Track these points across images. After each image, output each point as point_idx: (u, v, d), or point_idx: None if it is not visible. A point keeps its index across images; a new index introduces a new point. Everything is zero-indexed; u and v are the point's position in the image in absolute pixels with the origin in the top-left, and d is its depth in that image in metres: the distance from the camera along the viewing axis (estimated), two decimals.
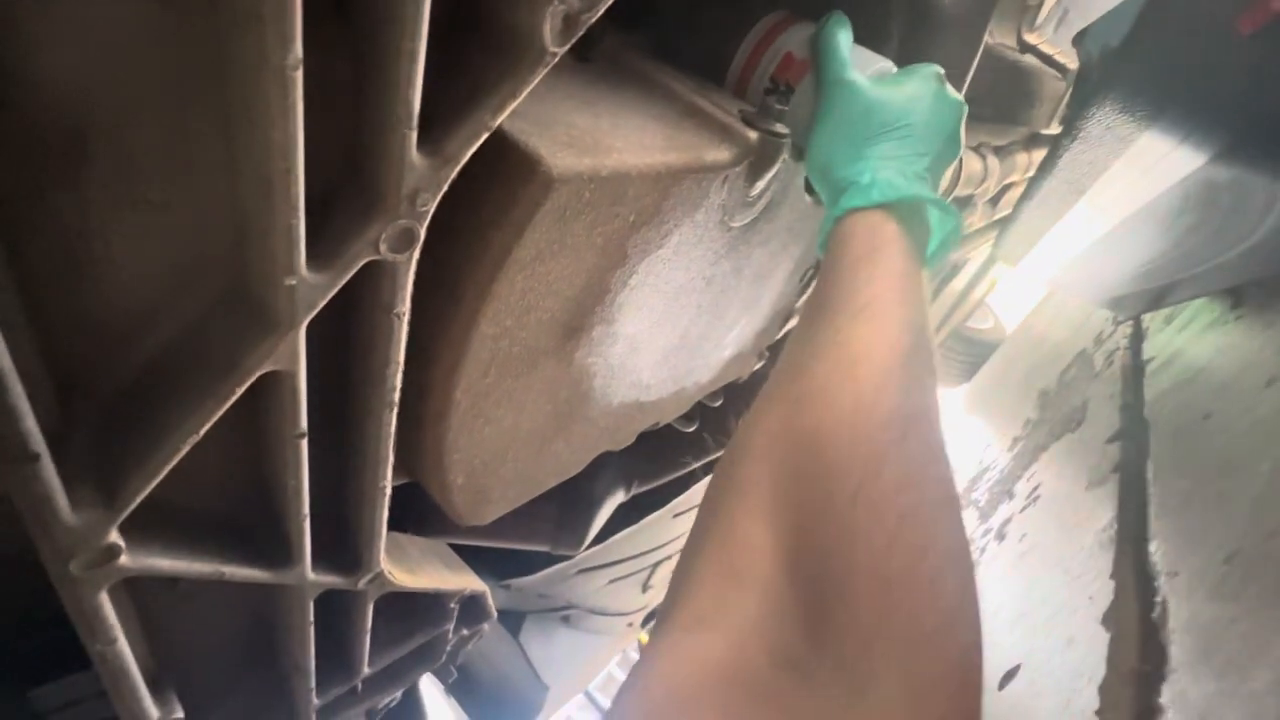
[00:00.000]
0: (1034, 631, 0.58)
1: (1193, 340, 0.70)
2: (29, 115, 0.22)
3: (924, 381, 0.32)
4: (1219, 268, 0.62)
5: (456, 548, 0.72)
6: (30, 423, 0.24)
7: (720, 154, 0.47)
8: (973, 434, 1.61)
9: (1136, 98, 0.48)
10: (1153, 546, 0.51)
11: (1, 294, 0.24)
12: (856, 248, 0.40)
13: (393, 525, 0.47)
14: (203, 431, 0.29)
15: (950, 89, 0.50)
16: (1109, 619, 0.49)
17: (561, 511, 0.90)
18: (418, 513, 0.66)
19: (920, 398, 0.31)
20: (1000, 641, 0.62)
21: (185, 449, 0.29)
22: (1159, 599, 0.45)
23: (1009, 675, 0.58)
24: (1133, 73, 0.47)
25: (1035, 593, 0.63)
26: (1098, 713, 0.46)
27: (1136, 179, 0.56)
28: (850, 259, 0.39)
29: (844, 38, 0.50)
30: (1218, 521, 0.47)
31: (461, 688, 1.08)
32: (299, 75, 0.22)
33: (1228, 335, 0.65)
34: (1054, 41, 0.94)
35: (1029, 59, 0.99)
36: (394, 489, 0.43)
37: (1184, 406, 0.61)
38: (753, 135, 0.50)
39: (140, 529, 0.31)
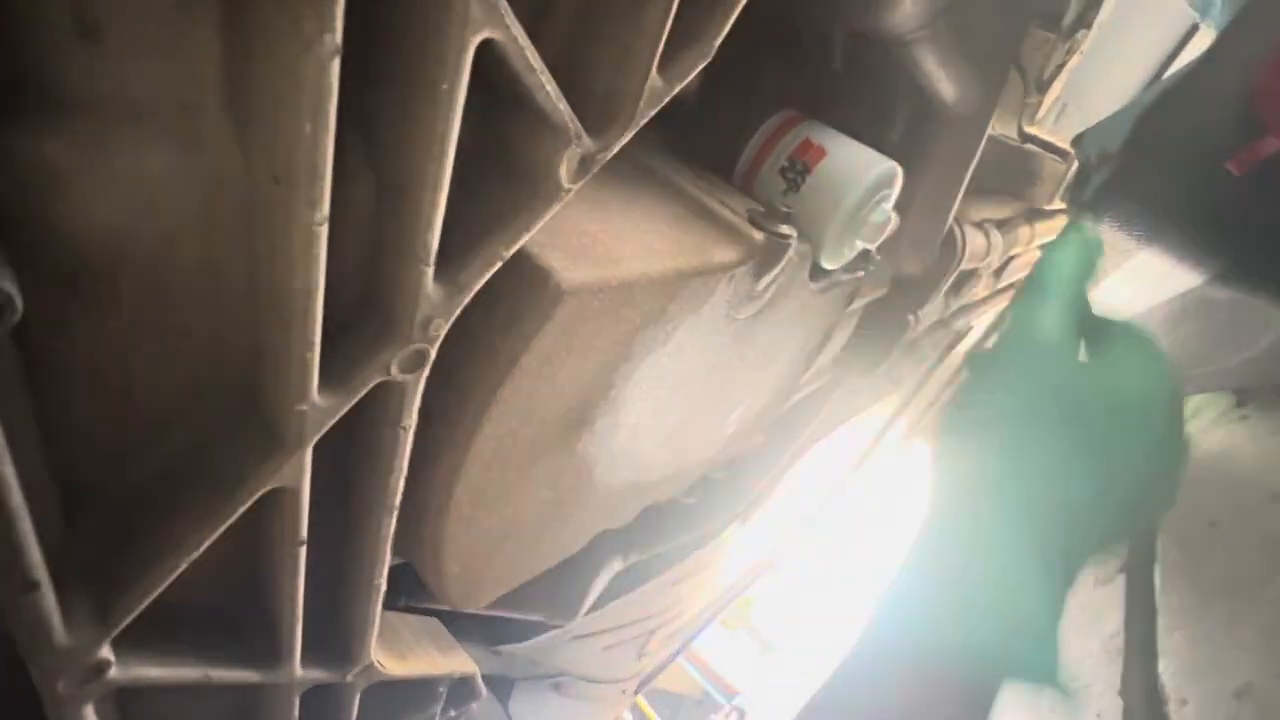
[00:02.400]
0: None
1: (1199, 435, 0.70)
2: (63, 257, 0.23)
3: None
4: (1220, 371, 0.62)
5: (448, 612, 0.70)
6: (34, 554, 0.24)
7: (727, 255, 0.49)
8: None
9: (1132, 218, 0.49)
10: (1162, 665, 0.49)
11: (17, 417, 0.25)
12: None
13: (385, 597, 0.46)
14: (203, 548, 0.29)
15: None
16: None
17: (557, 581, 0.89)
18: (409, 584, 0.66)
19: None
20: None
21: (184, 565, 0.29)
22: None
23: None
24: (1128, 193, 0.49)
25: (1043, 701, 0.61)
26: None
27: (1136, 288, 0.57)
28: None
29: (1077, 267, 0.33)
30: (1228, 647, 0.45)
31: None
32: (324, 231, 0.23)
33: (1233, 436, 0.65)
34: (1054, 131, 0.97)
35: (1030, 146, 1.01)
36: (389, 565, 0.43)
37: (1190, 510, 0.61)
38: (759, 236, 0.51)
39: (130, 639, 0.31)
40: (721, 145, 0.62)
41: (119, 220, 0.23)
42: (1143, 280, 0.54)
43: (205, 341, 0.27)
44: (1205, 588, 0.51)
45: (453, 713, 0.66)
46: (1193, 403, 0.81)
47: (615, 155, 0.54)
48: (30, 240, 0.21)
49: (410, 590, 0.67)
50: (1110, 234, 0.53)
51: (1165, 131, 0.48)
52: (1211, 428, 0.72)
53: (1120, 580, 0.64)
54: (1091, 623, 0.63)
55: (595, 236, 0.42)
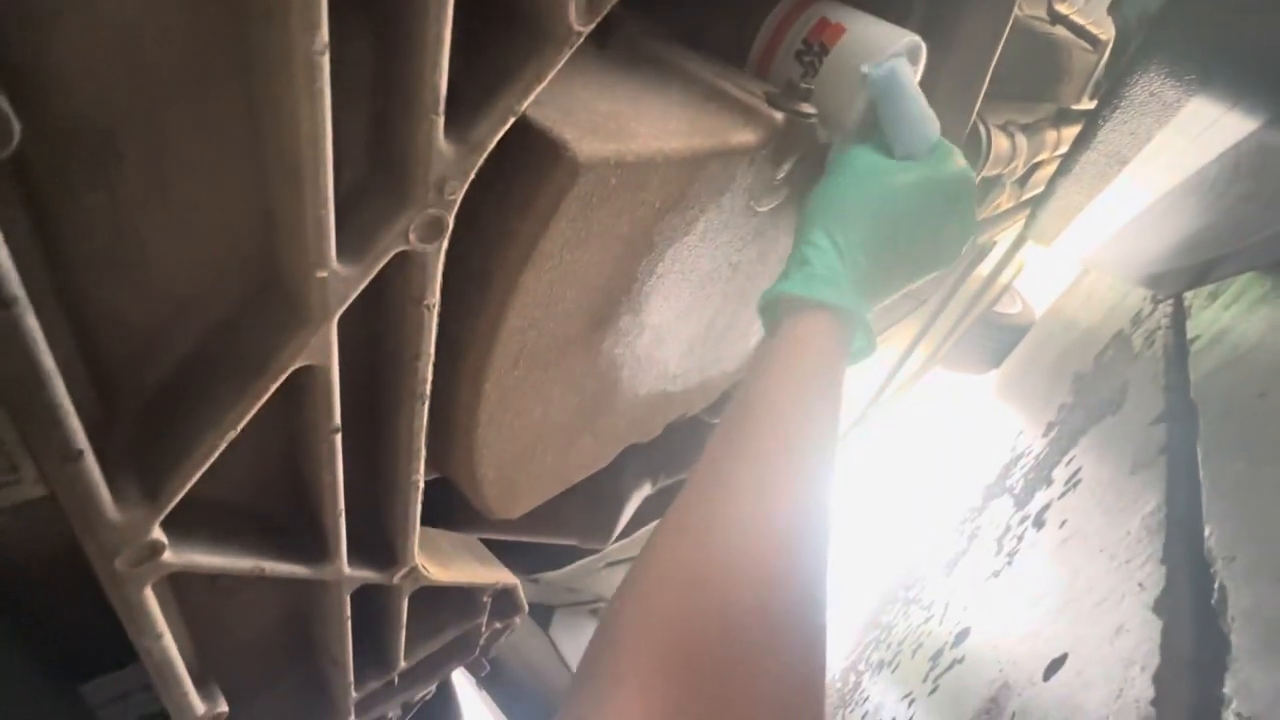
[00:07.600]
0: (1080, 620, 0.57)
1: (1240, 317, 0.67)
2: (60, 116, 0.22)
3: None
4: (1273, 239, 0.59)
5: (484, 543, 0.72)
6: (73, 421, 0.24)
7: (746, 136, 0.46)
8: (1003, 421, 1.58)
9: (1182, 62, 0.45)
10: (1207, 530, 0.48)
11: (41, 294, 0.24)
12: (791, 347, 0.40)
13: (422, 520, 0.47)
14: (240, 427, 0.29)
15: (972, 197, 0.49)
16: (1161, 606, 0.47)
17: (589, 505, 0.90)
18: (446, 508, 0.67)
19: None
20: (1045, 630, 0.61)
21: (223, 445, 0.29)
22: (1216, 584, 0.43)
23: (1055, 664, 0.57)
24: (1177, 36, 0.45)
25: (1080, 580, 0.61)
26: (1153, 703, 0.45)
27: (1183, 147, 0.53)
28: (783, 361, 0.40)
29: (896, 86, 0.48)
30: (1275, 505, 0.45)
31: (494, 680, 1.09)
32: (325, 61, 0.22)
33: (1277, 313, 0.62)
34: (1085, 12, 0.91)
35: (1059, 31, 0.96)
36: (424, 484, 0.43)
37: (1235, 386, 0.59)
38: (778, 116, 0.48)
39: (181, 526, 0.31)
40: (733, 34, 0.59)
41: (107, 72, 0.22)
42: (1190, 136, 0.51)
43: (217, 211, 0.27)
44: (1254, 455, 0.50)
45: (498, 624, 0.68)
46: (1235, 285, 0.78)
47: (623, 44, 0.52)
48: (21, 76, 0.20)
49: (446, 520, 0.68)
50: (1156, 87, 0.49)
51: None
52: (1256, 307, 0.69)
53: (1159, 463, 0.63)
54: (1129, 505, 0.63)
55: (607, 115, 0.40)
